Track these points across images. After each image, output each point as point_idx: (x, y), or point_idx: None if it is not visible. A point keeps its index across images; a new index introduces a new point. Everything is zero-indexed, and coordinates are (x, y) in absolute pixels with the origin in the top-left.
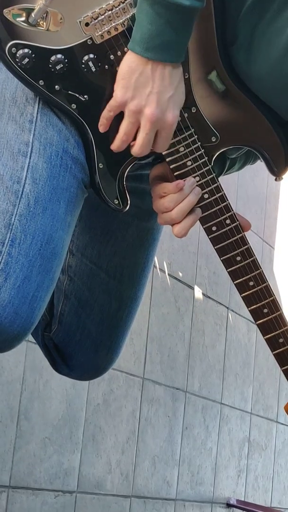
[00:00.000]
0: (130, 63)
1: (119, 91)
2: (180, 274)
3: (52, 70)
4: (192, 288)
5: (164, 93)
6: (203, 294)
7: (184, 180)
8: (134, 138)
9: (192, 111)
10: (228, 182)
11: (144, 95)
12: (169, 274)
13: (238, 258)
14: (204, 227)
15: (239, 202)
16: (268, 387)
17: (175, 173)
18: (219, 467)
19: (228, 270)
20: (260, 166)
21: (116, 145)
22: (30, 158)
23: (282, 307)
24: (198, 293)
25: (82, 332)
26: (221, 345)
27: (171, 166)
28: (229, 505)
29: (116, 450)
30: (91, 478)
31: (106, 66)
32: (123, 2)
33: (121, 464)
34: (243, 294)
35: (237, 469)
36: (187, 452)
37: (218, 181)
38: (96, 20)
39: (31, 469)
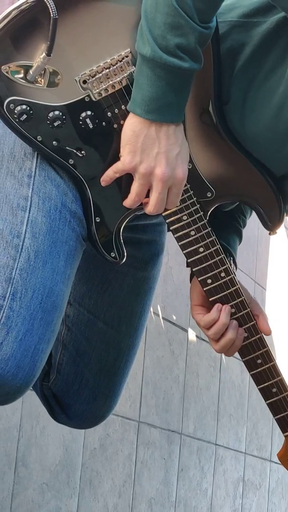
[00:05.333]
0: (133, 128)
1: (127, 156)
2: (174, 317)
3: (50, 126)
4: (186, 331)
5: (172, 151)
6: (197, 337)
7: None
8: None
9: (188, 167)
10: None
11: (152, 157)
12: (163, 318)
13: (233, 310)
14: (199, 279)
15: None
16: (262, 427)
17: (171, 228)
18: (215, 507)
19: None
20: None
21: (129, 204)
22: (29, 213)
23: (275, 346)
24: (191, 335)
25: (81, 382)
26: (215, 386)
27: (167, 221)
28: None
29: (113, 494)
30: None
31: (104, 123)
32: (120, 61)
33: (118, 508)
34: None
35: (232, 508)
36: (183, 493)
37: (214, 235)
38: (94, 78)
39: None
